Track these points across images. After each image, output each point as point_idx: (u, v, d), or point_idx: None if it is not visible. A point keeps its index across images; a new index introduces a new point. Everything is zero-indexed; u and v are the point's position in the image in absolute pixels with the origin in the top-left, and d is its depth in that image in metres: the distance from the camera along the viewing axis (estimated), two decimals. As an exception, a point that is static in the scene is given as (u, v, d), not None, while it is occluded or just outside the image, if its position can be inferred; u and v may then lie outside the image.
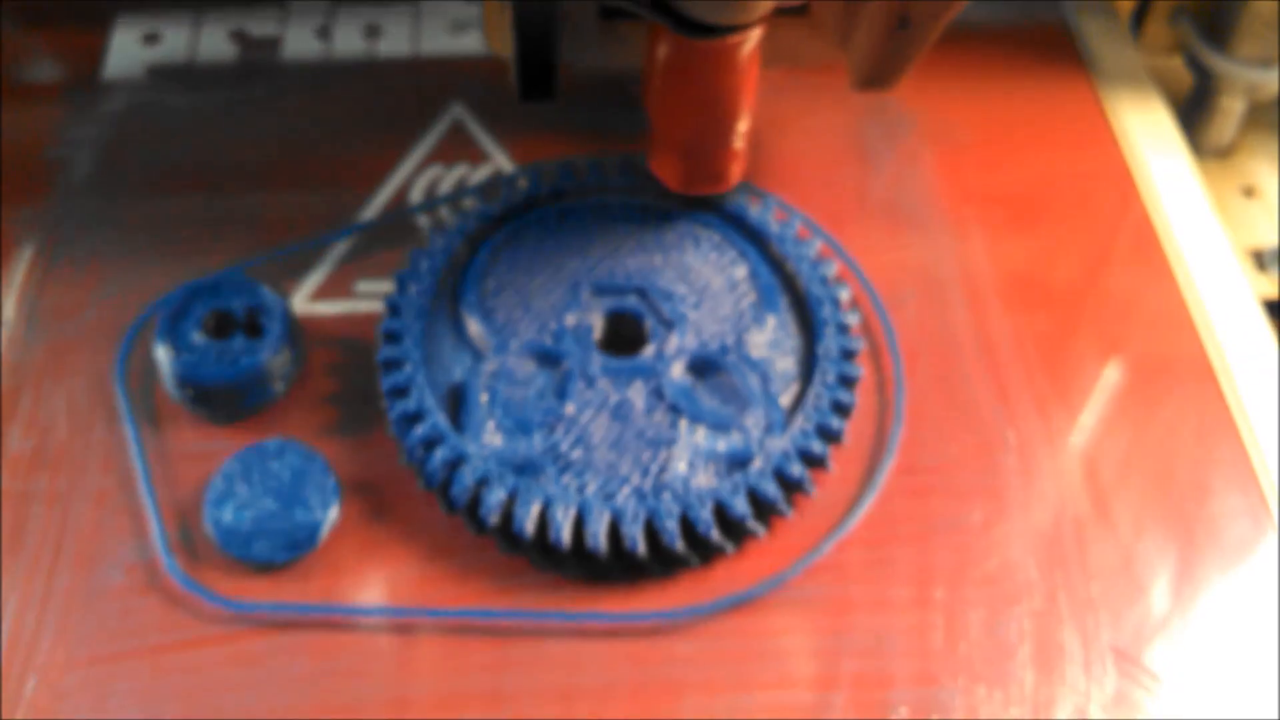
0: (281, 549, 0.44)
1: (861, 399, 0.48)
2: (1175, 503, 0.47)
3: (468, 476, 0.44)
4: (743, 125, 0.47)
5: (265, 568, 0.45)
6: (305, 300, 0.51)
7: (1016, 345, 0.50)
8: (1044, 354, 0.51)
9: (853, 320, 0.48)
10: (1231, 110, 0.66)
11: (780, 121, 0.59)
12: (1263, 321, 0.51)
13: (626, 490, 0.43)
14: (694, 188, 0.49)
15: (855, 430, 0.48)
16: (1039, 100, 0.62)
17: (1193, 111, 0.67)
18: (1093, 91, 0.62)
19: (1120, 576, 0.45)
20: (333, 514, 0.45)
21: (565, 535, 0.43)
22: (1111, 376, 0.50)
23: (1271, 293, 0.59)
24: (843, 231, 0.53)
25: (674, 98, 0.46)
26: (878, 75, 0.46)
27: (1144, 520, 0.46)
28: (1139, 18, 0.68)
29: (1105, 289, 0.53)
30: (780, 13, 0.45)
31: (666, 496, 0.43)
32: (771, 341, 0.47)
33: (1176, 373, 0.50)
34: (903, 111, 0.60)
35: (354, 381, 0.49)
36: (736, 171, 0.49)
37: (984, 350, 0.50)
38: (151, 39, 0.63)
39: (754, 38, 0.44)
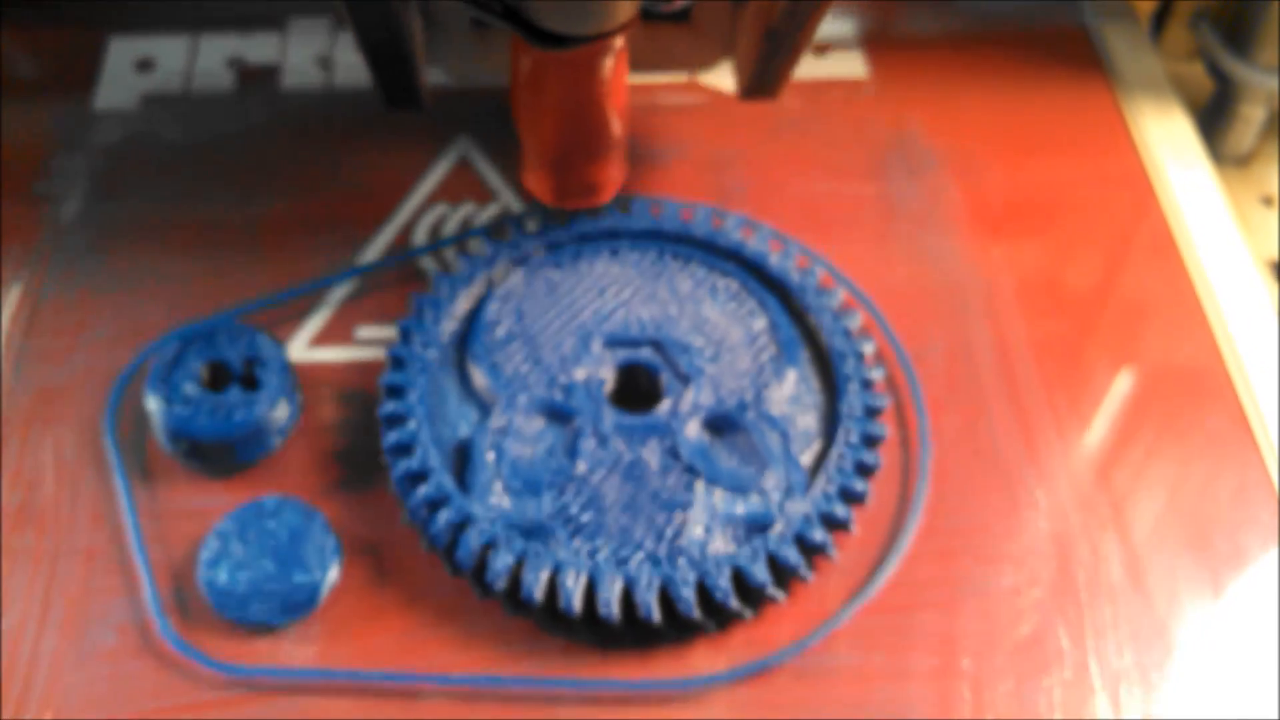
0: (279, 611, 0.44)
1: (886, 457, 0.49)
2: (1210, 562, 0.47)
3: (474, 540, 0.44)
4: (612, 136, 0.48)
5: (263, 630, 0.45)
6: (304, 347, 0.52)
7: (1047, 401, 0.51)
8: (1074, 408, 0.51)
9: (877, 376, 0.48)
10: (1252, 118, 0.67)
11: (799, 156, 0.60)
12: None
13: (640, 556, 0.44)
14: (568, 201, 0.50)
15: (879, 490, 0.48)
16: (1059, 107, 0.63)
17: (1212, 118, 0.68)
18: (1112, 97, 0.64)
19: (1155, 644, 0.45)
20: (332, 575, 0.45)
21: (576, 602, 0.43)
22: (1146, 436, 0.50)
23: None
24: (865, 279, 0.54)
25: (537, 110, 0.47)
26: (758, 84, 0.48)
27: (1178, 584, 0.46)
28: (1159, 22, 0.70)
29: (1129, 327, 0.53)
30: (664, 19, 0.46)
31: (682, 562, 0.43)
32: (792, 398, 0.48)
33: (1212, 430, 0.51)
34: (926, 144, 0.60)
35: (355, 435, 0.49)
36: (611, 183, 0.50)
37: (1012, 405, 0.51)
38: (145, 66, 0.63)
39: (612, 47, 0.44)
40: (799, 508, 0.45)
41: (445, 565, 0.45)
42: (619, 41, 0.44)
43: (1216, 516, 0.48)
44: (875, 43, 0.65)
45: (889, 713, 0.44)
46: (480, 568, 0.44)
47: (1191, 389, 0.51)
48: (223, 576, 0.44)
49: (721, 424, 0.47)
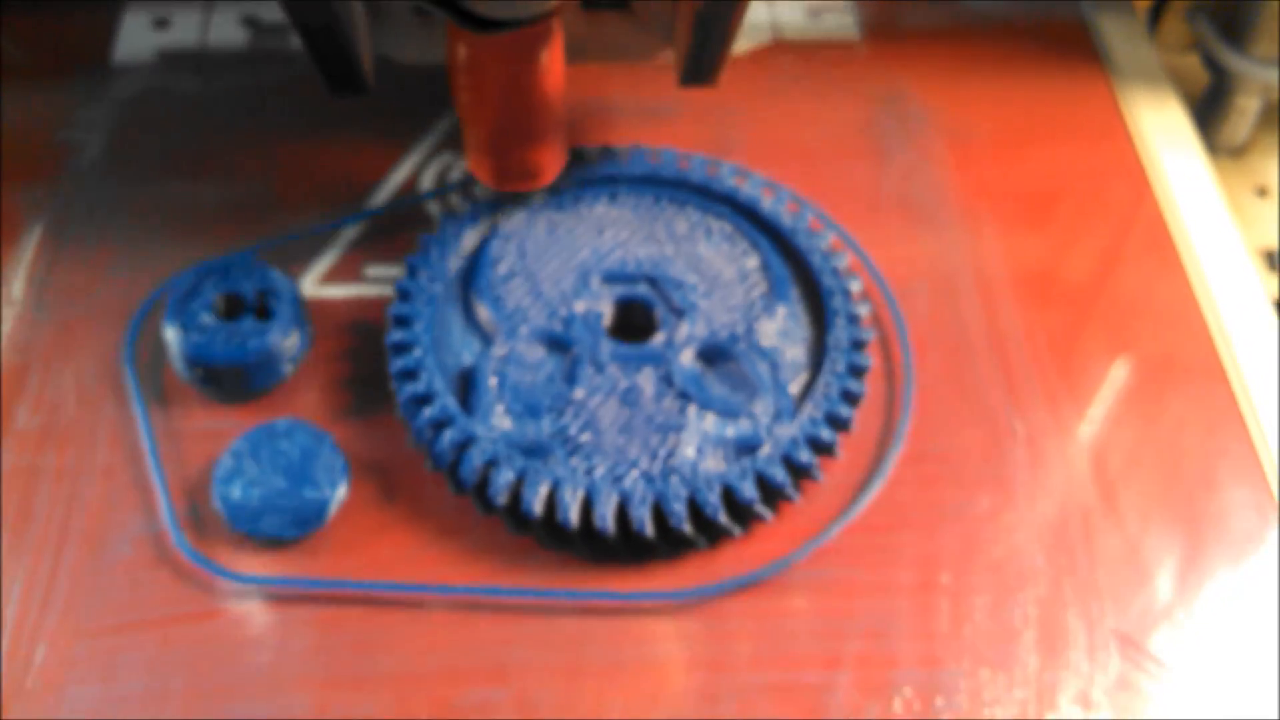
0: (290, 525, 0.46)
1: (871, 388, 0.51)
2: (1182, 495, 0.49)
3: (476, 458, 0.46)
4: (549, 120, 0.48)
5: (273, 544, 0.47)
6: (314, 284, 0.54)
7: (1027, 339, 0.53)
8: (1054, 348, 0.53)
9: (863, 311, 0.51)
10: (1247, 109, 0.69)
11: (795, 114, 0.62)
12: (1274, 321, 0.54)
13: (635, 473, 0.46)
14: (508, 184, 0.51)
15: (864, 419, 0.50)
16: (1055, 96, 0.65)
17: (1207, 110, 0.70)
18: (1109, 88, 0.65)
19: (1125, 565, 0.48)
20: (341, 492, 0.47)
21: (573, 516, 0.45)
22: (1120, 372, 0.53)
23: (1283, 293, 0.62)
24: (855, 225, 0.56)
25: (474, 96, 0.48)
26: (694, 72, 0.49)
27: (1150, 511, 0.48)
28: (1155, 15, 0.71)
29: (1116, 286, 0.55)
30: (603, 7, 0.47)
31: (674, 480, 0.45)
32: (782, 331, 0.50)
33: (1186, 370, 0.53)
34: (918, 106, 0.63)
35: (362, 364, 0.51)
36: (550, 166, 0.50)
37: (994, 343, 0.53)
38: (162, 24, 0.65)
39: (546, 32, 0.45)
40: (786, 431, 0.47)
41: (449, 484, 0.47)
42: (553, 26, 0.45)
43: (1189, 450, 0.51)
44: (875, 34, 0.68)
45: (872, 624, 0.46)
46: (482, 485, 0.46)
47: (1179, 365, 0.54)
48: (236, 492, 0.46)
49: (714, 354, 0.49)
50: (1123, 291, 0.55)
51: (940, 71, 0.62)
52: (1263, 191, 0.67)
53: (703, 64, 0.48)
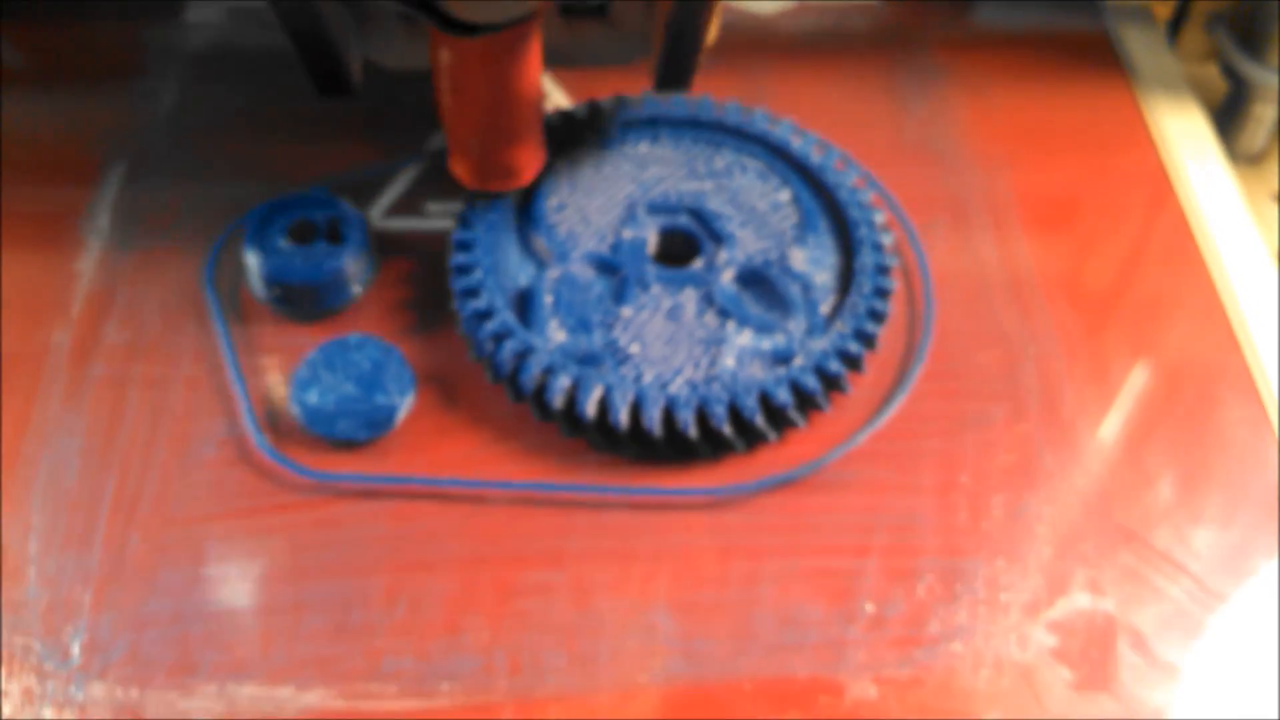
0: (362, 428, 0.50)
1: (894, 312, 0.54)
2: (1183, 410, 0.53)
3: (535, 366, 0.49)
4: (527, 122, 0.49)
5: (346, 445, 0.50)
6: (380, 217, 0.57)
7: (1040, 272, 0.56)
8: (1066, 283, 0.57)
9: (887, 240, 0.54)
10: (1264, 117, 0.70)
11: (821, 67, 0.65)
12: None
13: (680, 380, 0.49)
14: (487, 184, 0.52)
15: (888, 340, 0.54)
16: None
17: (1225, 118, 0.71)
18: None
19: (1130, 470, 0.51)
20: (409, 400, 0.50)
21: (623, 418, 0.48)
22: (1128, 305, 0.56)
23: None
24: (877, 164, 0.60)
25: (453, 97, 0.49)
26: (669, 77, 0.51)
27: (1154, 424, 0.51)
28: (1175, 25, 0.71)
29: (1120, 234, 0.59)
30: (581, 13, 0.48)
31: (716, 386, 0.49)
32: (812, 258, 0.53)
33: (1185, 305, 0.57)
34: (934, 52, 0.66)
35: (425, 288, 0.54)
36: (529, 166, 0.52)
37: (1009, 275, 0.57)
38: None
39: (522, 36, 0.46)
40: (818, 344, 0.50)
41: (508, 392, 0.51)
42: (530, 30, 0.46)
43: (1188, 368, 0.55)
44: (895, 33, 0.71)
45: (898, 519, 0.49)
46: (539, 392, 0.50)
47: (1180, 301, 0.58)
48: (313, 398, 0.50)
49: (750, 278, 0.52)
50: (1124, 236, 0.60)
51: (964, 78, 0.65)
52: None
53: (676, 68, 0.50)
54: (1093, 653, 0.45)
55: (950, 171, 0.61)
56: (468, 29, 0.44)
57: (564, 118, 0.58)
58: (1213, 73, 0.71)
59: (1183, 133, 0.63)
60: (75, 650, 0.45)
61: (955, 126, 0.63)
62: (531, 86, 0.48)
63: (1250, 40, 0.68)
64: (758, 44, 0.63)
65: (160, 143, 0.60)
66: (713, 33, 0.48)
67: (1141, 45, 0.68)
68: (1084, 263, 0.57)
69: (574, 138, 0.57)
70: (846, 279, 0.52)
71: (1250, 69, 0.68)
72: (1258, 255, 0.58)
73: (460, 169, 0.51)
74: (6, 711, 0.43)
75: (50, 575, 0.46)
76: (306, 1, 0.43)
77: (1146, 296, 0.56)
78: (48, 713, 0.44)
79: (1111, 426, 0.52)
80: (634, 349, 0.49)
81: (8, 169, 0.59)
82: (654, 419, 0.48)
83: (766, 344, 0.50)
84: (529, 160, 0.51)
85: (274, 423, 0.51)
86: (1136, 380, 0.53)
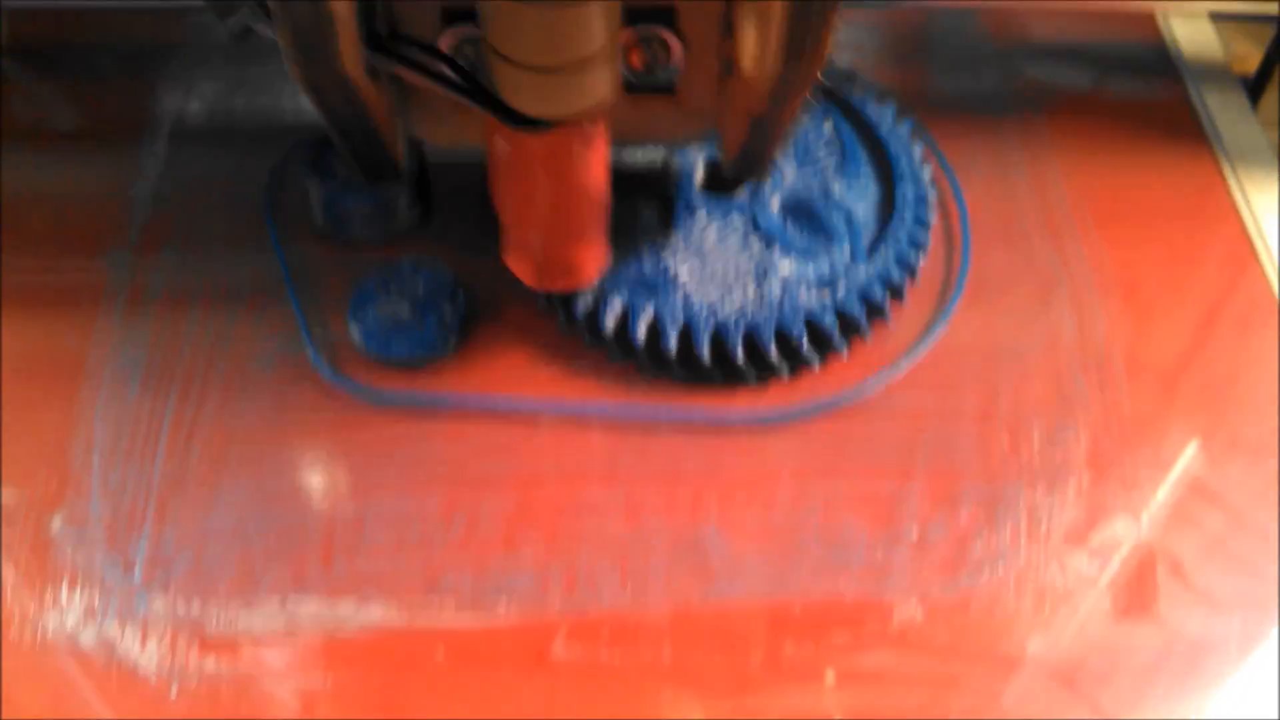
0: (417, 348, 0.47)
1: (933, 247, 0.52)
2: (1212, 345, 0.51)
3: (587, 292, 0.46)
4: (592, 220, 0.44)
5: (402, 365, 0.48)
6: (433, 152, 0.54)
7: (1076, 208, 0.54)
8: (1100, 221, 0.54)
9: (926, 174, 0.51)
10: None
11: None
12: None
13: (728, 307, 0.47)
14: (548, 284, 0.47)
15: (926, 272, 0.51)
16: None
17: None
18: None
19: (1165, 401, 0.49)
20: (462, 323, 0.48)
21: (673, 343, 0.46)
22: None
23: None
24: (915, 101, 0.57)
25: (515, 195, 0.43)
26: (744, 167, 0.47)
27: (1190, 355, 0.49)
28: (1255, 89, 0.64)
29: (1160, 201, 0.56)
30: (649, 91, 0.43)
31: (764, 312, 0.46)
32: (854, 191, 0.51)
33: (1211, 249, 0.54)
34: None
35: (480, 215, 0.51)
36: (592, 265, 0.46)
37: (1043, 211, 0.54)
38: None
39: (591, 132, 0.40)
40: (862, 271, 0.48)
41: (560, 318, 0.48)
42: (598, 122, 0.40)
43: (1220, 302, 0.52)
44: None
45: (940, 445, 0.47)
46: (592, 317, 0.47)
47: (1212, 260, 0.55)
48: (370, 320, 0.48)
49: (795, 207, 0.50)
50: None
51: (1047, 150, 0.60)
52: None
53: (753, 159, 0.46)
54: (1132, 580, 0.43)
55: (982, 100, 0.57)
56: (534, 123, 0.38)
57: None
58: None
59: (1269, 203, 0.57)
60: (138, 564, 0.43)
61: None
62: (598, 181, 0.42)
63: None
64: None
65: (213, 75, 0.57)
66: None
67: (1225, 112, 0.61)
68: (1125, 205, 0.55)
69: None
70: (888, 211, 0.50)
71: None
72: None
73: (519, 267, 0.46)
74: (69, 626, 0.42)
75: (113, 489, 0.45)
76: (352, 92, 0.38)
77: (1186, 246, 0.54)
78: (110, 627, 0.42)
79: (1147, 357, 0.50)
80: (684, 275, 0.47)
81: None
82: (704, 345, 0.46)
83: (812, 271, 0.48)
84: (594, 258, 0.46)
85: (331, 344, 0.49)
86: (1167, 316, 0.52)
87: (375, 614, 0.42)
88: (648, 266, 0.48)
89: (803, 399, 0.48)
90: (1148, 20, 0.64)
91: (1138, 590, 0.44)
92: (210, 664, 0.41)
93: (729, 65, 0.41)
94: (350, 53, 0.35)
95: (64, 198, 0.53)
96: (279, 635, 0.42)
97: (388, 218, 0.51)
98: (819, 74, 0.36)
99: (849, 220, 0.49)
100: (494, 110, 0.38)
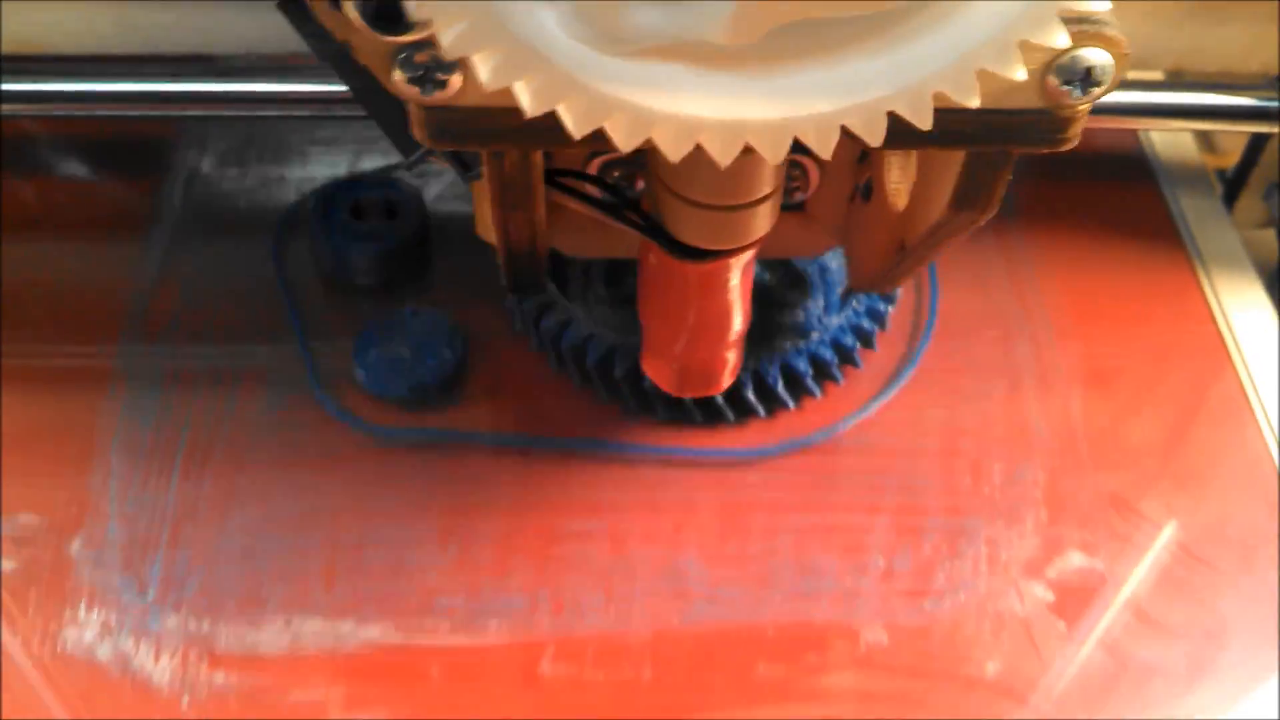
0: (416, 389, 0.49)
1: (901, 296, 0.53)
2: (1167, 390, 0.52)
3: (574, 335, 0.48)
4: (735, 333, 0.43)
5: (402, 403, 0.49)
6: (432, 201, 0.56)
7: (1040, 264, 0.55)
8: (1062, 279, 0.56)
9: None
10: None
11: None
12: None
13: (707, 351, 0.48)
14: (686, 391, 0.47)
15: (897, 320, 0.53)
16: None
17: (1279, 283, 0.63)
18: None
19: (1118, 442, 0.51)
20: (459, 366, 0.49)
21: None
22: (1116, 308, 0.56)
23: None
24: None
25: (666, 312, 0.43)
26: (877, 283, 0.47)
27: (1140, 399, 0.51)
28: (1232, 192, 0.64)
29: (1119, 260, 0.58)
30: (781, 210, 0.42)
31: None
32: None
33: (1185, 348, 0.55)
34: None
35: (477, 263, 0.53)
36: (729, 373, 0.46)
37: (1010, 266, 0.56)
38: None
39: (745, 259, 0.40)
40: (834, 321, 0.49)
41: (551, 361, 0.50)
42: (751, 254, 0.40)
43: (1170, 356, 0.54)
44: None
45: (906, 481, 0.49)
46: (579, 359, 0.48)
47: (1157, 293, 0.57)
48: (371, 360, 0.49)
49: (775, 261, 0.51)
50: (1127, 268, 0.58)
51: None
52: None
53: (889, 279, 0.45)
54: (1085, 608, 0.44)
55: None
56: (699, 254, 0.38)
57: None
58: (1268, 237, 0.63)
59: (1241, 304, 0.57)
60: (152, 585, 0.43)
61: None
62: (744, 300, 0.42)
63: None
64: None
65: (222, 133, 0.59)
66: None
67: (1198, 213, 0.60)
68: (1089, 272, 0.56)
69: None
70: (859, 265, 0.51)
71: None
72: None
73: (658, 374, 0.46)
74: (87, 640, 0.43)
75: (129, 515, 0.46)
76: (536, 227, 0.37)
77: (1141, 298, 0.56)
78: (126, 642, 0.43)
79: (1101, 403, 0.51)
80: (667, 321, 0.48)
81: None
82: (685, 387, 0.47)
83: (787, 319, 0.49)
84: (731, 366, 0.45)
85: (335, 384, 0.50)
86: (1123, 369, 0.53)
87: (374, 633, 0.44)
88: (633, 312, 0.49)
89: (778, 437, 0.49)
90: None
91: (1091, 618, 0.45)
92: (219, 678, 0.42)
93: (866, 191, 0.41)
94: (540, 192, 0.35)
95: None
96: (284, 652, 0.43)
97: (391, 266, 0.52)
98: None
99: (823, 272, 0.51)
100: (660, 241, 0.37)
